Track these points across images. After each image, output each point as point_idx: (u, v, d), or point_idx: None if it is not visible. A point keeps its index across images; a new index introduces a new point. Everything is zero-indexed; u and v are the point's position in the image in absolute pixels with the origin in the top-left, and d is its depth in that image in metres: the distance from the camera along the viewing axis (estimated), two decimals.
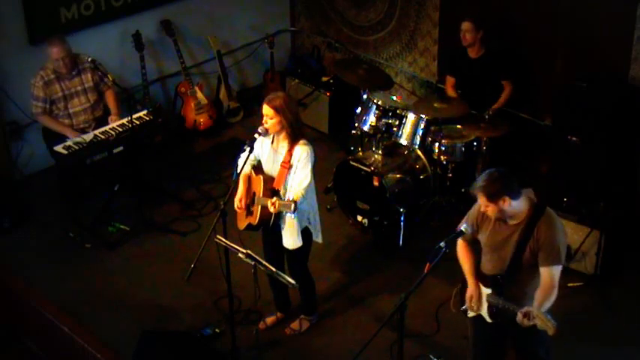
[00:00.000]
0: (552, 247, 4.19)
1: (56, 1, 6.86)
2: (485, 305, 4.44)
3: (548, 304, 4.19)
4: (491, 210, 4.21)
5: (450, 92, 6.93)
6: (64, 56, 6.41)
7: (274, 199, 4.89)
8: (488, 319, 4.46)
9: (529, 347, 4.59)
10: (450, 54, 7.04)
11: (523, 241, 4.23)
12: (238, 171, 5.09)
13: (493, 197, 4.15)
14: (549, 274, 4.21)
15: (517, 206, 4.20)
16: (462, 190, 6.52)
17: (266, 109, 4.96)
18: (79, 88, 6.58)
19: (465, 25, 6.59)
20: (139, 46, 7.28)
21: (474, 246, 4.51)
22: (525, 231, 4.22)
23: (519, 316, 4.14)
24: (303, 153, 4.98)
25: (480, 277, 4.46)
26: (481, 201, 4.22)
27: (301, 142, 5.01)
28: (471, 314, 4.57)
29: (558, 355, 5.25)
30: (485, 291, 4.41)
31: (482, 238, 4.42)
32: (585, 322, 5.59)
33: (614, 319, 5.65)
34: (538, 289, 4.23)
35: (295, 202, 4.83)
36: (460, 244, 4.53)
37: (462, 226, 4.35)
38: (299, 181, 4.99)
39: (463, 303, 4.57)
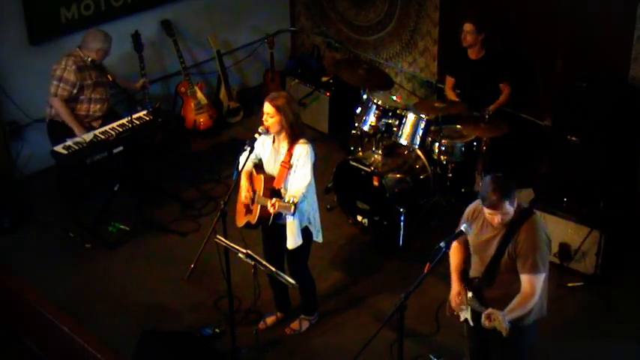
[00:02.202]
0: (528, 256, 4.10)
1: (56, 1, 6.87)
2: (469, 308, 4.40)
3: (518, 312, 4.10)
4: (498, 218, 4.12)
5: (449, 93, 6.93)
6: (110, 44, 6.50)
7: (274, 200, 4.85)
8: (471, 322, 4.42)
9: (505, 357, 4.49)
10: (451, 54, 7.03)
11: (502, 245, 4.16)
12: (239, 171, 5.09)
13: (496, 206, 4.07)
14: (527, 282, 4.12)
15: (510, 210, 4.13)
16: (462, 190, 6.52)
17: (267, 107, 4.96)
18: (97, 80, 6.59)
19: (467, 27, 6.58)
20: (139, 46, 7.27)
21: (467, 247, 4.46)
22: (506, 235, 4.16)
23: (482, 318, 4.06)
24: (302, 152, 4.98)
25: (465, 280, 4.41)
26: (488, 211, 4.13)
27: (301, 141, 5.01)
28: (461, 317, 4.51)
29: (558, 355, 5.27)
30: (469, 294, 4.36)
31: (469, 239, 4.37)
32: (585, 322, 5.59)
33: (614, 319, 5.64)
34: (517, 295, 4.15)
35: (295, 205, 4.80)
36: (454, 244, 4.44)
37: (463, 226, 4.34)
38: (299, 180, 4.98)
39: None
